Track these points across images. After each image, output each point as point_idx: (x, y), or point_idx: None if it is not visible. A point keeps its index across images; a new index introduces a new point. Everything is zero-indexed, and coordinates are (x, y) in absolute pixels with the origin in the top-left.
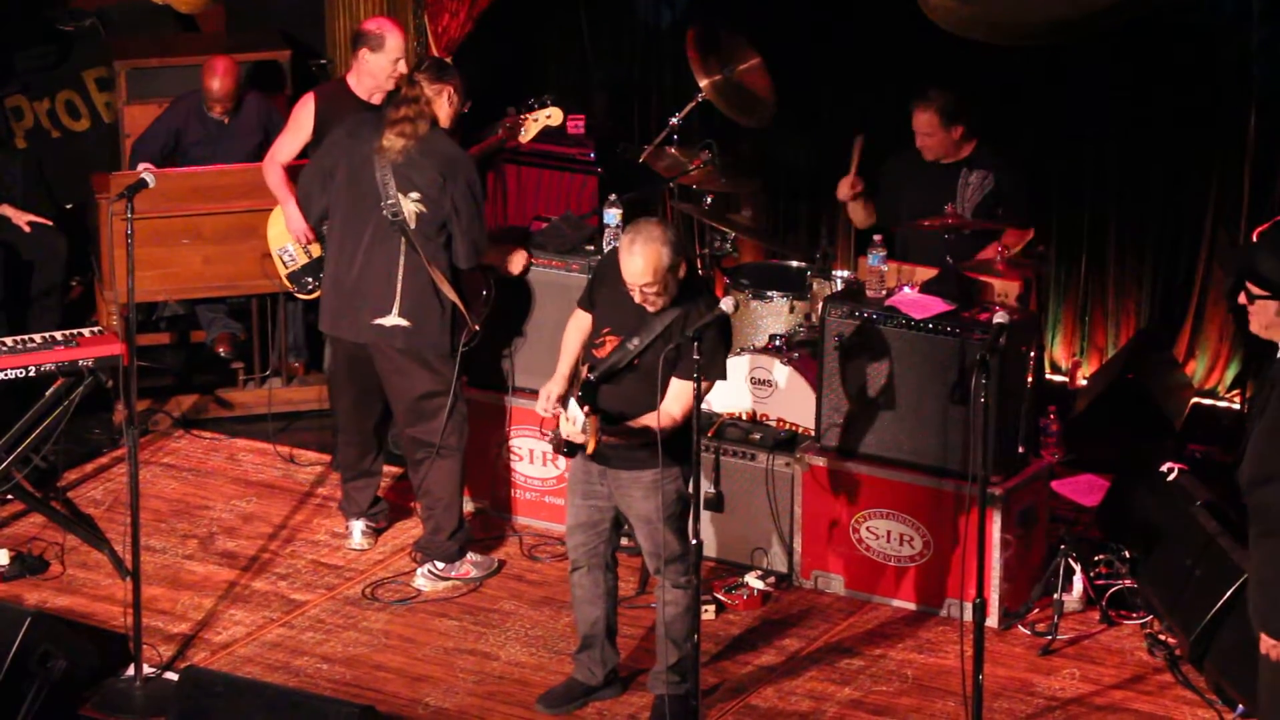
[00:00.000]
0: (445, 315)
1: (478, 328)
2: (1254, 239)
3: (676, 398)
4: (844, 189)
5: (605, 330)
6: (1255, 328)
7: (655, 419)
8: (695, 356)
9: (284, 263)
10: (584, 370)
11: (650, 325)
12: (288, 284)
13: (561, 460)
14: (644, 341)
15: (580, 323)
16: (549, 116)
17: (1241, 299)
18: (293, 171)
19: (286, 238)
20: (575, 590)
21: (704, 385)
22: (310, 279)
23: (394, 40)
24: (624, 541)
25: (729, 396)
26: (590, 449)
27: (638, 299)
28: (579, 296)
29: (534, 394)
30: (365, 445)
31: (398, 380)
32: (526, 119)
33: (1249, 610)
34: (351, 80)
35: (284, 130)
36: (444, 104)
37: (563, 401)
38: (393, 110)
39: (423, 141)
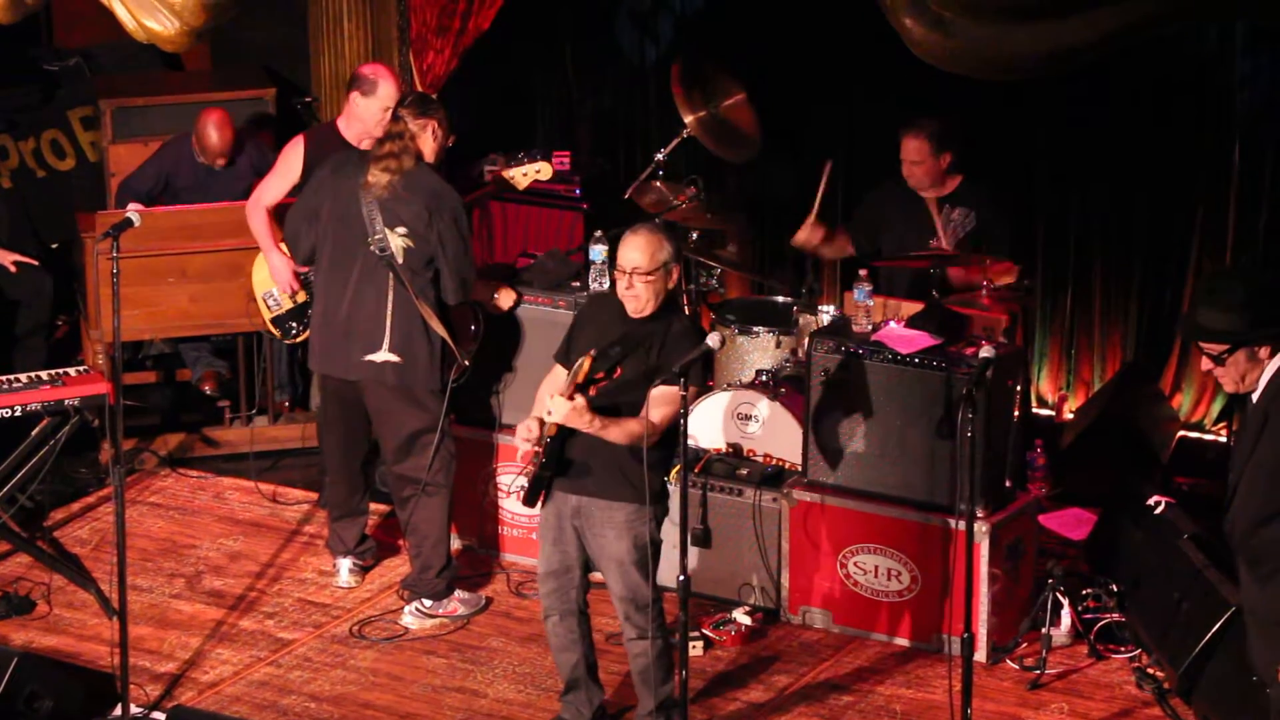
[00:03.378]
0: (435, 351)
1: (467, 363)
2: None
3: (655, 406)
4: (803, 236)
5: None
6: (1230, 386)
7: (636, 423)
8: (683, 393)
9: (268, 307)
10: (569, 379)
11: (630, 336)
12: (272, 329)
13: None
14: (625, 349)
15: (557, 376)
16: (538, 171)
17: (1205, 365)
18: (278, 214)
19: (272, 282)
20: (551, 638)
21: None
22: (294, 324)
23: (386, 88)
24: (599, 577)
25: (715, 432)
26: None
27: (623, 286)
28: (557, 350)
29: None
30: (353, 483)
31: (387, 417)
32: (514, 172)
33: (1251, 656)
34: (341, 124)
35: (271, 173)
36: (429, 139)
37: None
38: (377, 146)
39: (408, 176)
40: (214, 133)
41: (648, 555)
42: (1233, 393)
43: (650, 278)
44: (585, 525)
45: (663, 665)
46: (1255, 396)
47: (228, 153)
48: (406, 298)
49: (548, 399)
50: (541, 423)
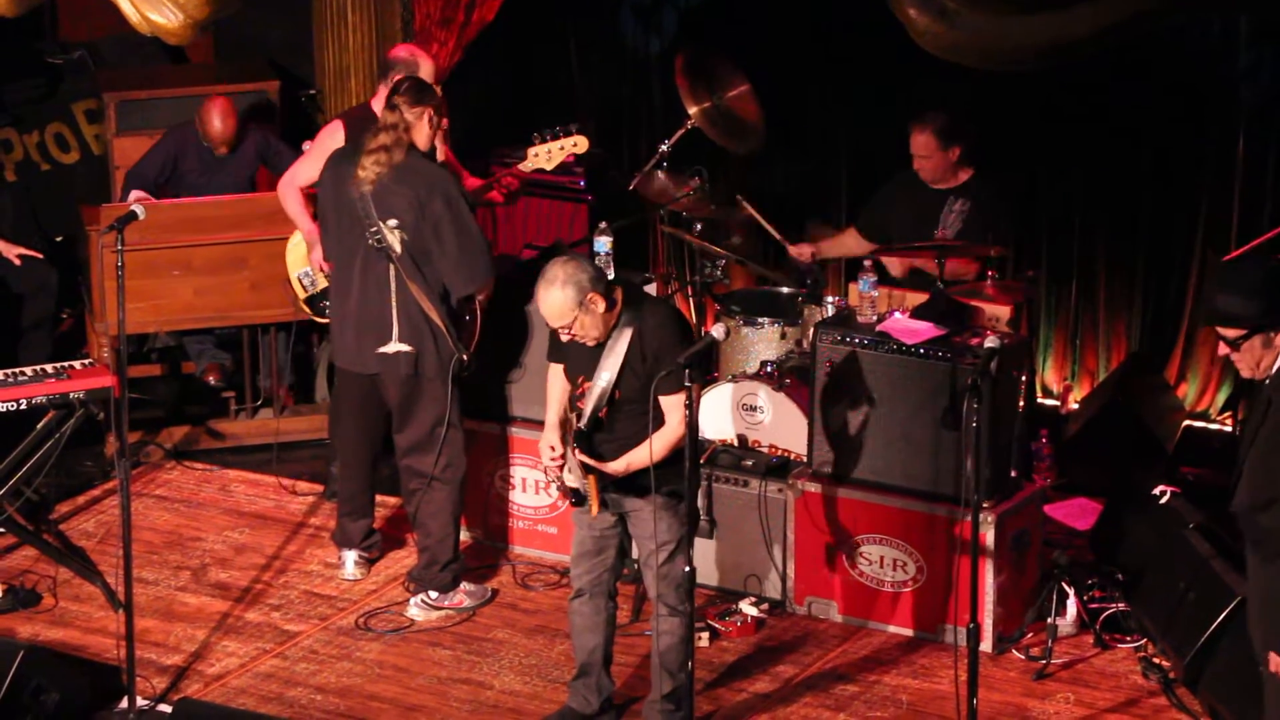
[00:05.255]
0: (441, 340)
1: (465, 357)
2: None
3: (674, 412)
4: (803, 252)
5: (580, 379)
6: (1247, 372)
7: (649, 446)
8: (686, 384)
9: (303, 286)
10: (574, 420)
11: (612, 354)
12: (305, 309)
13: (554, 489)
14: (614, 374)
15: (557, 373)
16: (575, 145)
17: (1223, 350)
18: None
19: (306, 261)
20: (575, 618)
21: (695, 390)
22: (328, 303)
23: (427, 66)
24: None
25: (720, 423)
26: (594, 512)
27: (565, 338)
28: (548, 351)
29: (529, 423)
30: (363, 478)
31: (405, 409)
32: (550, 146)
33: (1251, 634)
34: (376, 106)
35: (307, 154)
36: (424, 127)
37: (563, 445)
38: (370, 138)
39: (397, 168)
40: (217, 121)
41: (689, 533)
42: (1249, 378)
43: (573, 324)
44: (627, 510)
45: (684, 649)
46: (1267, 381)
47: (230, 140)
48: (409, 288)
49: (573, 480)
50: (562, 438)
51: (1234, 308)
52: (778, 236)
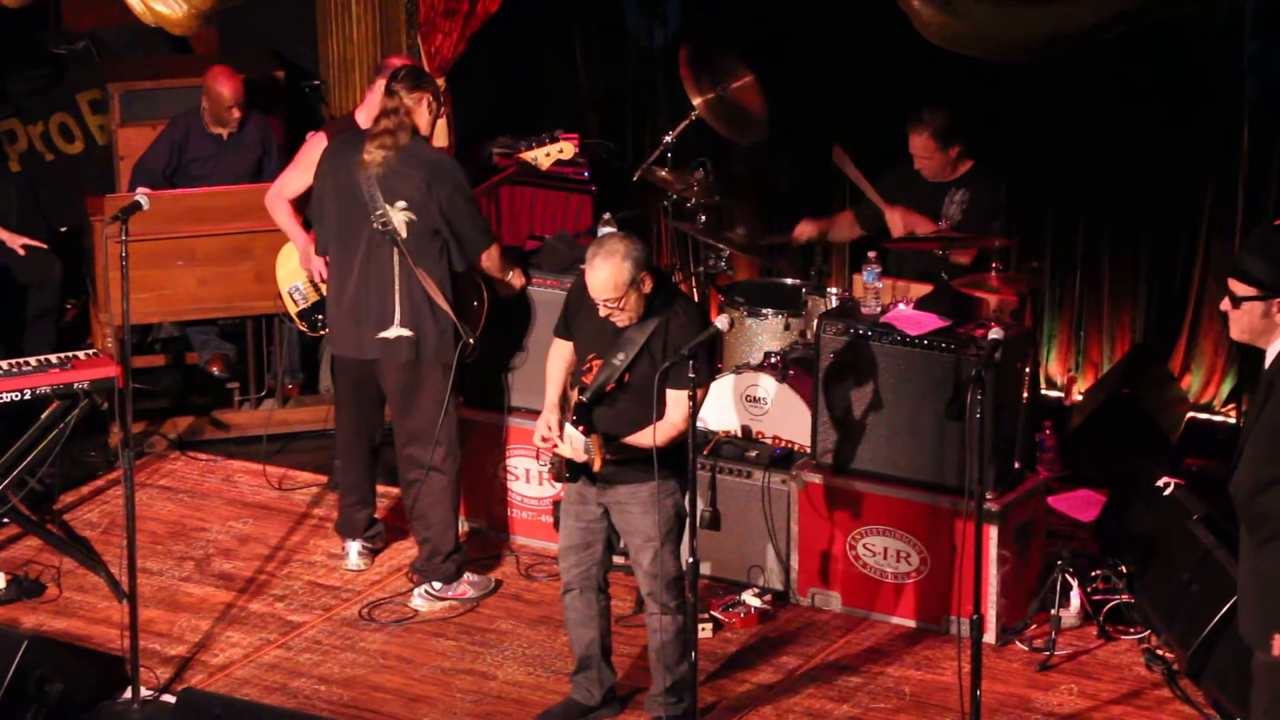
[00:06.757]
0: (444, 324)
1: (472, 341)
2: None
3: (677, 405)
4: (804, 232)
5: (590, 356)
6: (1236, 333)
7: (652, 433)
8: (690, 375)
9: (294, 300)
10: (574, 395)
11: (632, 339)
12: (299, 323)
13: (550, 470)
14: (629, 356)
15: (561, 350)
16: (561, 150)
17: (1225, 305)
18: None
19: (297, 275)
20: (568, 613)
21: (700, 393)
22: (321, 316)
23: None
24: (619, 560)
25: (724, 414)
26: (597, 466)
27: (603, 313)
28: (556, 325)
29: (530, 413)
30: (363, 467)
31: (402, 396)
32: (535, 154)
33: (1240, 620)
34: (360, 116)
35: (292, 165)
36: (424, 111)
37: (559, 428)
38: (374, 124)
39: (403, 151)
40: (225, 87)
41: (675, 530)
42: (1236, 340)
43: (623, 300)
44: (611, 502)
45: (680, 645)
46: (1266, 364)
47: (241, 101)
48: (412, 272)
49: (568, 449)
50: (560, 417)
51: (1253, 268)
52: (874, 198)
